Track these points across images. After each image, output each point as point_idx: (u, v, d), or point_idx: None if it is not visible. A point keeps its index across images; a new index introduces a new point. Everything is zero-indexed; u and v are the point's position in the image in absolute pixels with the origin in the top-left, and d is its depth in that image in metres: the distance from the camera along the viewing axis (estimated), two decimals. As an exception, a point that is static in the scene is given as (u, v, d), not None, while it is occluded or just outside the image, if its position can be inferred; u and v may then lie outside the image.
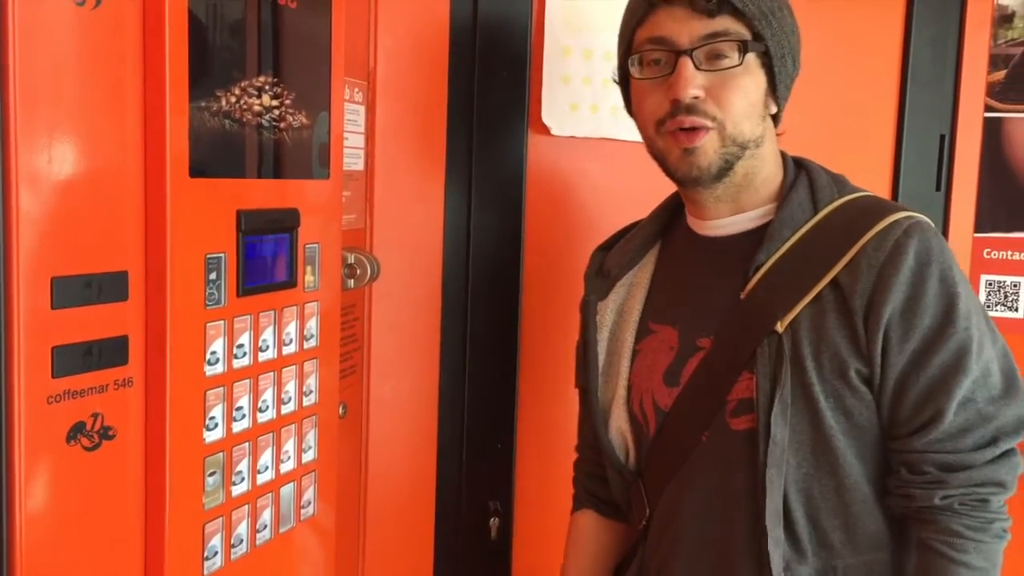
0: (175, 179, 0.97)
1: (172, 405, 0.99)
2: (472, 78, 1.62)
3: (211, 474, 1.05)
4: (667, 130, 1.19)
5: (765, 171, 1.24)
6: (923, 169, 1.82)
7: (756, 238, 1.22)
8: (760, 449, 1.13)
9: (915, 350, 1.12)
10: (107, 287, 0.93)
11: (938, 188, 1.84)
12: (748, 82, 1.18)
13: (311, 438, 1.22)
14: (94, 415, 0.93)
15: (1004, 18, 1.82)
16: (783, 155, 1.28)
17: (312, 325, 1.21)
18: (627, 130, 1.72)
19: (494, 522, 1.70)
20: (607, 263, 1.37)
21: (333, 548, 1.31)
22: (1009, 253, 1.84)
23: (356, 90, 1.48)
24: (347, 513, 1.53)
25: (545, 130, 1.67)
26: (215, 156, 1.03)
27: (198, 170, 0.99)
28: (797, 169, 1.27)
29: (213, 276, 1.03)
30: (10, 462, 0.86)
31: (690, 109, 1.16)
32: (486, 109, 1.63)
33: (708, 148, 1.18)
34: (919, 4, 1.79)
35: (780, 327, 1.15)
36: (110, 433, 0.95)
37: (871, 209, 1.18)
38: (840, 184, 1.25)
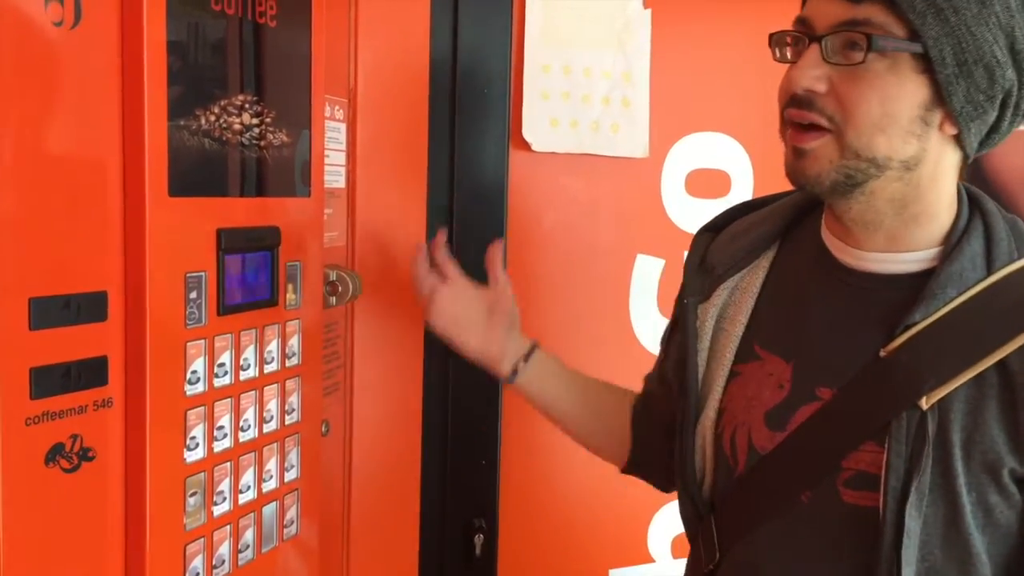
0: (154, 198, 0.96)
1: (152, 425, 0.98)
2: (452, 94, 1.62)
3: (192, 494, 1.04)
4: (784, 120, 1.04)
5: (930, 205, 1.04)
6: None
7: (910, 286, 1.03)
8: (886, 539, 0.98)
9: None
10: (86, 307, 0.93)
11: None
12: (889, 86, 0.96)
13: (294, 456, 1.22)
14: (73, 436, 0.92)
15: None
16: (959, 190, 1.08)
17: (294, 343, 1.21)
18: (606, 145, 1.75)
19: (479, 539, 1.70)
20: (711, 256, 1.21)
21: (317, 567, 1.30)
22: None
23: (337, 108, 1.48)
24: (331, 531, 1.52)
25: (526, 146, 1.67)
26: (195, 175, 1.03)
27: (178, 189, 0.99)
28: (971, 210, 1.06)
29: (193, 295, 1.03)
30: (-12, 485, 0.85)
31: (803, 103, 1.00)
32: (466, 125, 1.64)
33: (821, 155, 1.00)
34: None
35: (926, 403, 0.97)
36: (89, 454, 0.94)
37: None
38: (1020, 236, 1.05)
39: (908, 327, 1.01)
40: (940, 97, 0.97)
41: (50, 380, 0.89)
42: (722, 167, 1.85)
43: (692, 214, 1.84)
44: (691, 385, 1.17)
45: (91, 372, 0.94)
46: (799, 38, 1.02)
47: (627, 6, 1.74)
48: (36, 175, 0.87)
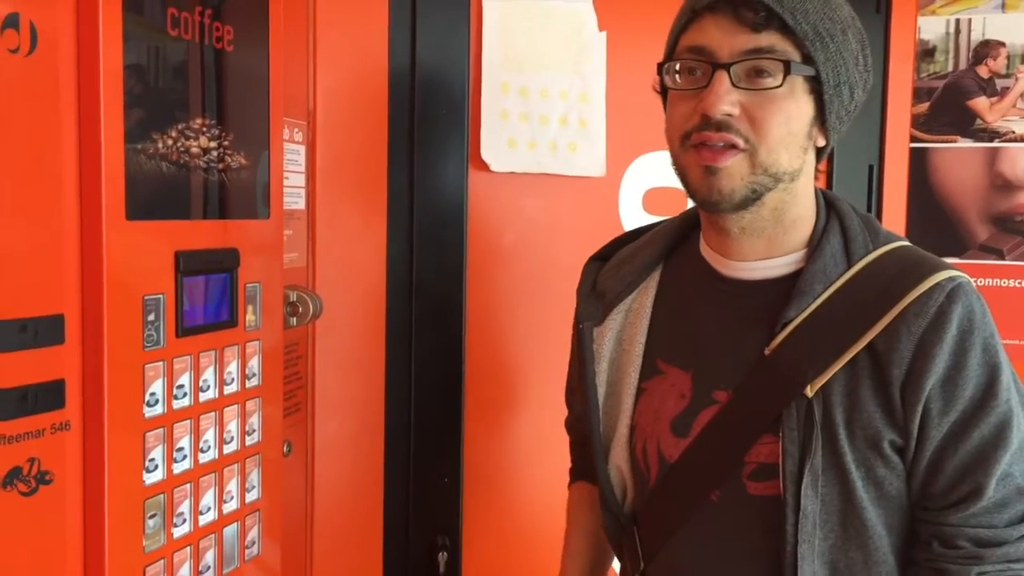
0: (111, 222, 0.97)
1: (111, 448, 0.98)
2: (411, 115, 1.64)
3: (151, 516, 1.04)
4: (692, 143, 1.08)
5: (797, 210, 1.13)
6: (854, 198, 1.87)
7: (784, 288, 1.12)
8: (788, 521, 1.06)
9: (954, 422, 1.04)
10: (43, 330, 0.93)
11: (869, 216, 1.89)
12: (791, 107, 1.06)
13: (255, 477, 1.22)
14: (31, 460, 0.92)
15: (926, 52, 1.88)
16: (816, 194, 1.18)
17: (254, 364, 1.21)
18: (564, 165, 1.77)
19: (442, 556, 1.71)
20: (602, 282, 1.28)
21: (279, 588, 1.30)
22: (938, 278, 1.90)
23: (296, 130, 1.49)
24: (293, 552, 1.52)
25: (484, 166, 1.69)
26: (153, 198, 1.03)
27: (135, 212, 1.00)
28: (828, 211, 1.16)
29: (151, 317, 1.03)
30: (-56, 510, 0.85)
31: (720, 126, 1.06)
32: (426, 146, 1.65)
33: (735, 171, 1.07)
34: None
35: (810, 391, 1.06)
36: (47, 478, 0.94)
37: (911, 267, 1.09)
38: (872, 230, 1.15)
39: (785, 324, 1.10)
40: (820, 114, 1.10)
41: (7, 404, 0.89)
42: (679, 185, 1.87)
43: (650, 232, 1.86)
44: (592, 407, 1.24)
45: (49, 395, 0.94)
46: (695, 66, 1.09)
47: (582, 28, 1.77)
48: (-8, 200, 0.88)
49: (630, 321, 1.24)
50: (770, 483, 1.08)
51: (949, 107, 1.88)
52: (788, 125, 1.07)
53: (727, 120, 1.05)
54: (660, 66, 1.14)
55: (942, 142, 1.88)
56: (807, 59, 1.06)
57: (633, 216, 1.86)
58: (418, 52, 1.64)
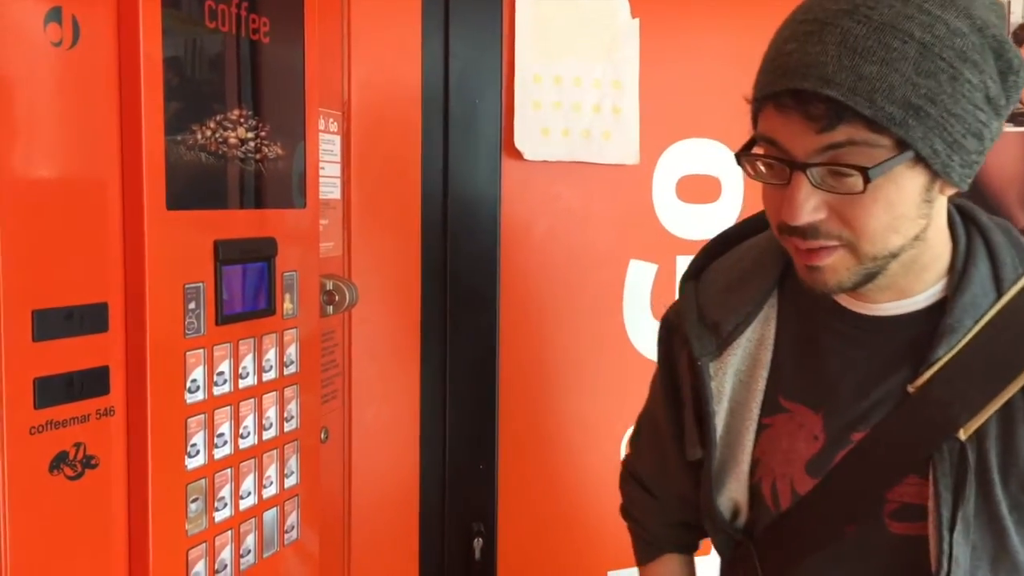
0: (152, 212, 0.99)
1: (153, 433, 1.00)
2: (445, 105, 1.65)
3: (193, 500, 1.06)
4: (787, 237, 0.98)
5: (930, 254, 1.02)
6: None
7: (926, 321, 1.02)
8: (937, 566, 0.99)
9: None
10: (88, 319, 0.95)
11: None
12: (890, 194, 0.92)
13: (293, 463, 1.24)
14: (76, 445, 0.94)
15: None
16: (949, 212, 1.04)
17: (292, 352, 1.23)
18: (598, 153, 1.77)
19: (477, 543, 1.72)
20: (711, 312, 1.15)
21: (317, 572, 1.32)
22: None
23: (331, 120, 1.50)
24: (331, 537, 1.54)
25: (518, 155, 1.70)
26: (192, 188, 1.05)
27: (175, 202, 1.01)
28: (968, 232, 1.04)
29: (192, 305, 1.05)
30: (-6, 493, 0.88)
31: (806, 232, 0.94)
32: (459, 135, 1.66)
33: (839, 266, 0.96)
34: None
35: (963, 434, 0.98)
36: (92, 462, 0.96)
37: None
38: (1019, 247, 1.04)
39: (932, 363, 1.01)
40: (936, 174, 0.93)
41: (53, 390, 0.91)
42: (712, 172, 1.88)
43: (683, 219, 1.86)
44: (710, 447, 1.15)
45: (93, 381, 0.96)
46: (776, 163, 0.95)
47: (616, 16, 1.76)
48: (38, 191, 0.90)
49: (750, 354, 1.13)
50: (915, 524, 1.01)
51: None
52: (891, 212, 0.93)
53: (815, 226, 0.94)
54: (740, 156, 1.01)
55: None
56: (900, 142, 0.89)
57: (667, 204, 1.86)
58: (451, 41, 1.64)
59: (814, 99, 0.89)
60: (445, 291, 1.68)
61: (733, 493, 1.15)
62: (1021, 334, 0.99)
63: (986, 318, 1.00)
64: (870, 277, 0.98)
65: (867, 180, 0.89)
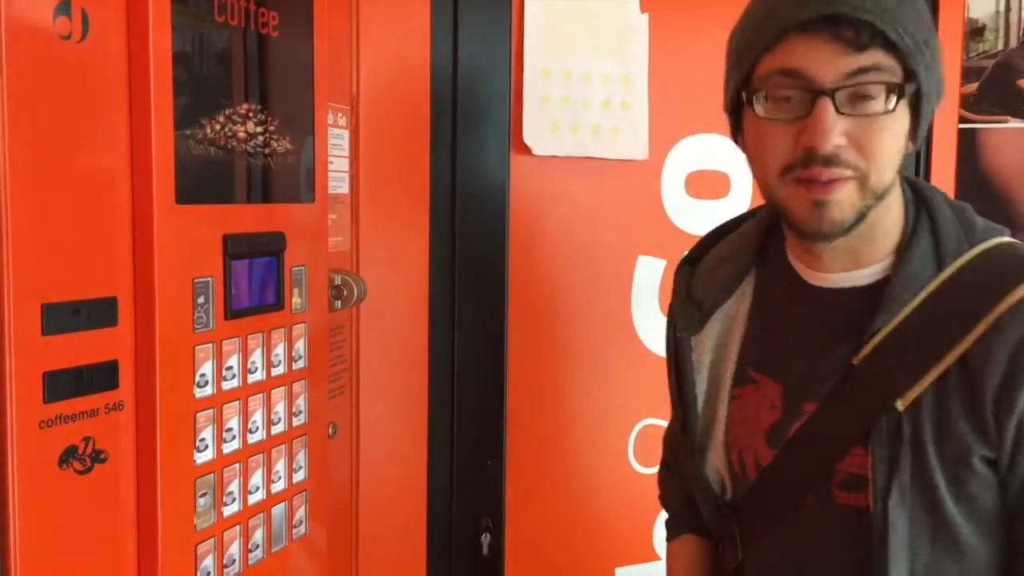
0: (161, 206, 0.99)
1: (162, 427, 1.01)
2: (454, 99, 1.65)
3: (202, 495, 1.07)
4: (797, 177, 1.01)
5: (888, 222, 1.07)
6: (900, 180, 1.86)
7: (871, 296, 1.07)
8: (876, 535, 1.03)
9: None
10: (97, 313, 0.95)
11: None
12: (896, 126, 0.99)
13: (301, 458, 1.24)
14: (86, 439, 0.95)
15: (975, 31, 1.85)
16: (903, 188, 1.10)
17: (300, 346, 1.23)
18: (606, 148, 1.77)
19: (485, 538, 1.72)
20: (696, 290, 1.23)
21: (326, 567, 1.32)
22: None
23: (340, 115, 1.50)
24: (339, 532, 1.54)
25: (526, 150, 1.70)
26: (201, 182, 1.05)
27: (185, 196, 1.01)
28: (918, 209, 1.09)
29: (201, 300, 1.05)
30: (3, 487, 0.88)
31: (829, 160, 0.98)
32: (468, 129, 1.66)
33: (845, 201, 1.00)
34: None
35: (901, 405, 1.02)
36: (102, 456, 0.97)
37: (1006, 270, 1.02)
38: (968, 225, 1.08)
39: (872, 335, 1.05)
40: (918, 121, 1.02)
41: (63, 384, 0.92)
42: (721, 168, 1.87)
43: (692, 215, 1.86)
44: (691, 412, 1.21)
45: (102, 376, 0.96)
46: (791, 94, 1.00)
47: (625, 11, 1.76)
48: (47, 185, 0.90)
49: (727, 328, 1.20)
50: (860, 494, 1.05)
51: (999, 87, 1.85)
52: (896, 143, 1.00)
53: (836, 153, 0.98)
54: (737, 87, 1.05)
55: (991, 122, 1.85)
56: (909, 75, 0.98)
57: (676, 200, 1.85)
58: (460, 36, 1.64)
59: (848, 23, 0.95)
60: (453, 286, 1.67)
61: (715, 463, 1.20)
62: (957, 308, 1.02)
63: (925, 292, 1.04)
64: (861, 217, 1.02)
65: (899, 96, 0.97)
